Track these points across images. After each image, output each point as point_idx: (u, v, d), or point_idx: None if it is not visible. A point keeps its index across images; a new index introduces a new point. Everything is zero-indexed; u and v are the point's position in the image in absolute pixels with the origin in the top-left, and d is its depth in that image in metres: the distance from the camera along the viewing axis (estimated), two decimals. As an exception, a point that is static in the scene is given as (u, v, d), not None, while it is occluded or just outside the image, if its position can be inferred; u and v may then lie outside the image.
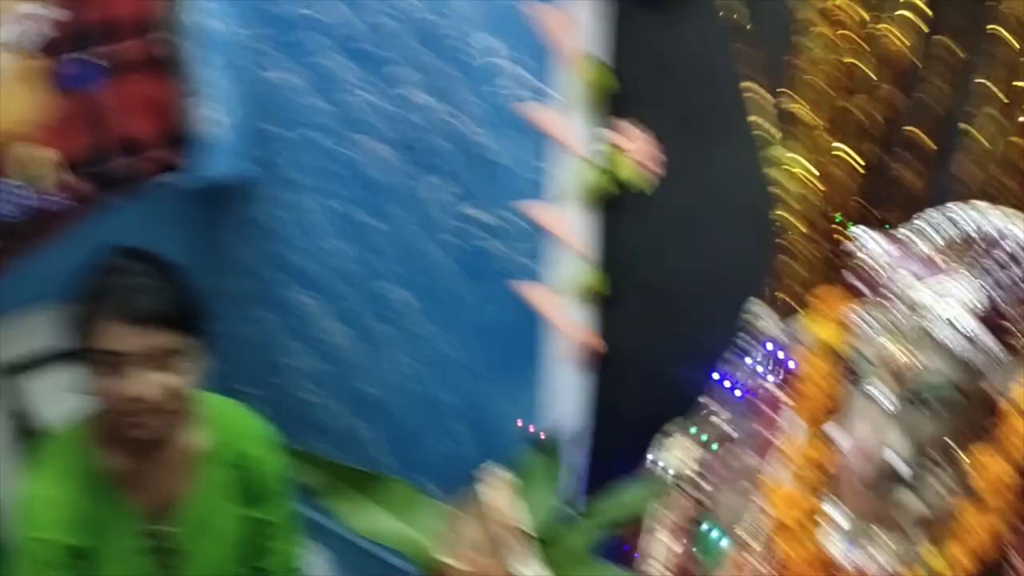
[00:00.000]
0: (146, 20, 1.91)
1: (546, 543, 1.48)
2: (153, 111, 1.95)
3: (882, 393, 0.90)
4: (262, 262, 2.28)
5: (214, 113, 2.08)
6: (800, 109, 1.37)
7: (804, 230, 1.41)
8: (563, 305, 1.68)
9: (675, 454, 1.18)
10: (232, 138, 2.13)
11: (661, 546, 1.16)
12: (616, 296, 1.64)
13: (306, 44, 1.98)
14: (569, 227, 1.63)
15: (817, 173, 1.38)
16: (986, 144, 1.25)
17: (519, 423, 1.83)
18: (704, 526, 1.16)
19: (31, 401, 2.00)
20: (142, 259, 1.50)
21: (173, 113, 1.99)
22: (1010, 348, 0.90)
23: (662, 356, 1.59)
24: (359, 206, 2.02)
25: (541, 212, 1.66)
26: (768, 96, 1.40)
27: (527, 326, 1.75)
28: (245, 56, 2.10)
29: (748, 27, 1.39)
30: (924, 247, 0.93)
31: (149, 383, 1.43)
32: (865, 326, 0.93)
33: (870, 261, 0.95)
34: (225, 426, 1.65)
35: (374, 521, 1.60)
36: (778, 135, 1.40)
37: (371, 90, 1.91)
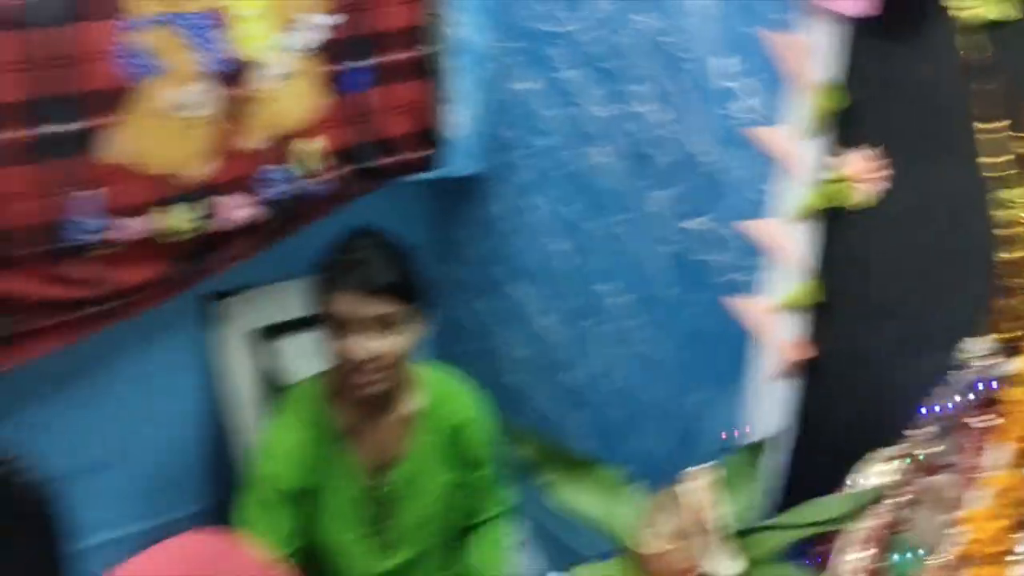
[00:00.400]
0: (413, 31, 2.06)
1: (741, 542, 1.53)
2: (410, 114, 2.11)
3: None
4: (488, 255, 2.41)
5: (461, 117, 2.22)
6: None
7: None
8: (776, 321, 1.71)
9: (877, 472, 1.20)
10: (474, 140, 2.27)
11: (853, 559, 1.19)
12: (830, 307, 1.65)
13: (553, 59, 2.08)
14: (789, 246, 1.65)
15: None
16: None
17: (723, 427, 1.86)
18: (898, 546, 1.18)
19: (281, 361, 2.24)
20: (375, 237, 1.69)
21: (427, 116, 2.14)
22: None
23: (872, 371, 1.59)
24: (585, 211, 2.11)
25: (762, 230, 1.70)
26: (1003, 136, 1.39)
27: (737, 335, 1.79)
28: (495, 66, 2.23)
29: (988, 64, 1.38)
30: None
31: (376, 346, 1.62)
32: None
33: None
34: (441, 393, 1.82)
35: (578, 500, 1.68)
36: (1012, 176, 1.38)
37: (608, 105, 1.99)
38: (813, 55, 1.56)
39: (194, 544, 0.86)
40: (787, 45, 1.59)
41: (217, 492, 2.22)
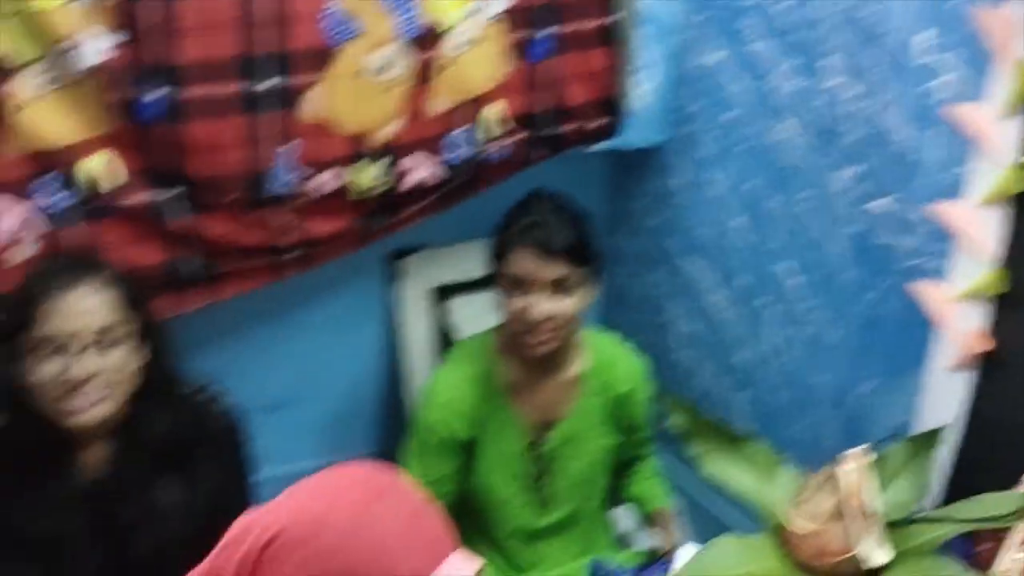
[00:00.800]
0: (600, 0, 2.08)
1: (896, 530, 1.48)
2: (593, 82, 2.13)
3: None
4: (662, 228, 2.40)
5: (643, 87, 2.22)
6: None
7: None
8: (958, 310, 1.64)
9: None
10: (656, 111, 2.26)
11: (1012, 558, 1.14)
12: (1014, 298, 1.57)
13: (743, 32, 2.05)
14: (978, 232, 1.58)
15: None
16: None
17: (893, 417, 1.81)
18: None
19: (454, 319, 2.31)
20: (553, 200, 1.72)
21: (610, 85, 2.15)
22: None
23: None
24: (765, 187, 2.07)
25: (953, 214, 1.62)
26: None
27: (917, 324, 1.73)
28: (680, 37, 2.21)
29: None
30: None
31: (551, 307, 1.65)
32: None
33: None
34: (606, 358, 1.84)
35: (729, 474, 1.68)
36: None
37: (796, 79, 1.95)
38: (1020, 32, 1.47)
39: (364, 470, 0.91)
40: (994, 20, 1.51)
41: (388, 438, 2.33)
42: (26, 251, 1.67)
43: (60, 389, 1.43)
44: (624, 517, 2.09)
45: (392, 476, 0.90)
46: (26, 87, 1.59)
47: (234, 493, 1.64)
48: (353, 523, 0.84)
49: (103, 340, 1.46)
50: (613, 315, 2.55)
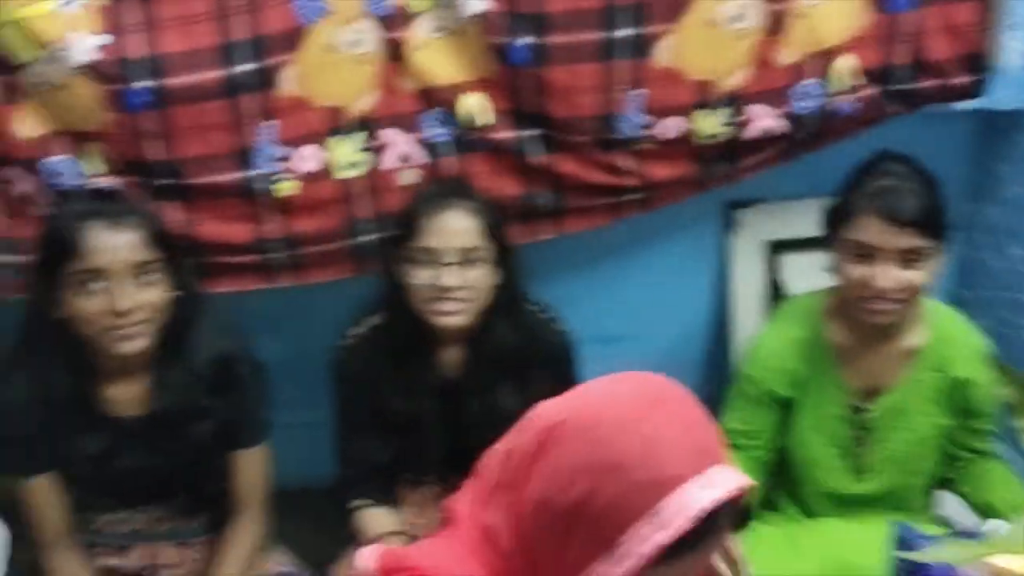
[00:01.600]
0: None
1: None
2: (958, 36, 2.03)
3: None
4: (1031, 199, 2.24)
5: (1015, 44, 2.07)
6: None
7: None
8: None
9: None
10: (1028, 70, 2.11)
11: None
12: None
13: None
14: None
15: None
16: None
17: None
18: None
19: (786, 275, 2.32)
20: (905, 165, 1.66)
21: (977, 40, 2.03)
22: None
23: None
24: None
25: None
26: None
27: None
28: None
29: None
30: None
31: (895, 277, 1.61)
32: None
33: None
34: (943, 334, 1.76)
35: None
36: None
37: None
38: None
39: (648, 377, 0.99)
40: None
41: (710, 384, 2.39)
42: (411, 176, 1.93)
43: (430, 293, 1.68)
44: (949, 500, 1.99)
45: (673, 385, 0.98)
46: (419, 31, 1.84)
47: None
48: (629, 419, 0.92)
49: (466, 258, 1.68)
50: (962, 289, 2.42)
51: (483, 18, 1.82)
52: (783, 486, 1.89)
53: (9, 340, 1.67)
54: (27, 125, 1.78)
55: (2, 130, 1.77)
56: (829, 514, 1.85)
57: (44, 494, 1.67)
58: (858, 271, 1.64)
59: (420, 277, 1.69)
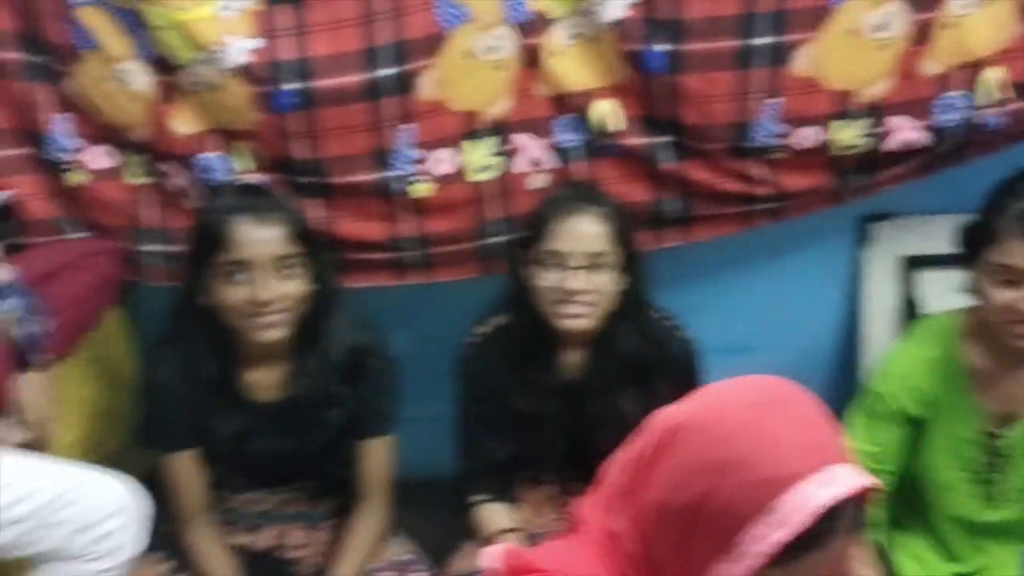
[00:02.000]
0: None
1: None
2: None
3: None
4: None
5: None
6: None
7: None
8: None
9: None
10: None
11: None
12: None
13: None
14: None
15: None
16: None
17: None
18: None
19: (922, 292, 2.24)
20: None
21: None
22: None
23: None
24: None
25: None
26: None
27: None
28: None
29: None
30: None
31: None
32: None
33: None
34: None
35: None
36: None
37: None
38: None
39: (767, 380, 0.98)
40: None
41: (837, 399, 2.32)
42: (541, 180, 1.96)
43: (556, 296, 1.71)
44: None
45: (793, 386, 0.97)
46: (555, 38, 1.87)
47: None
48: (747, 419, 0.92)
49: (593, 263, 1.70)
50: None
51: (619, 25, 1.83)
52: (913, 510, 1.84)
53: (160, 324, 1.78)
54: (184, 122, 1.90)
55: (161, 127, 1.90)
56: (959, 540, 1.80)
57: (185, 470, 1.77)
58: (1004, 296, 1.58)
59: (547, 280, 1.71)
